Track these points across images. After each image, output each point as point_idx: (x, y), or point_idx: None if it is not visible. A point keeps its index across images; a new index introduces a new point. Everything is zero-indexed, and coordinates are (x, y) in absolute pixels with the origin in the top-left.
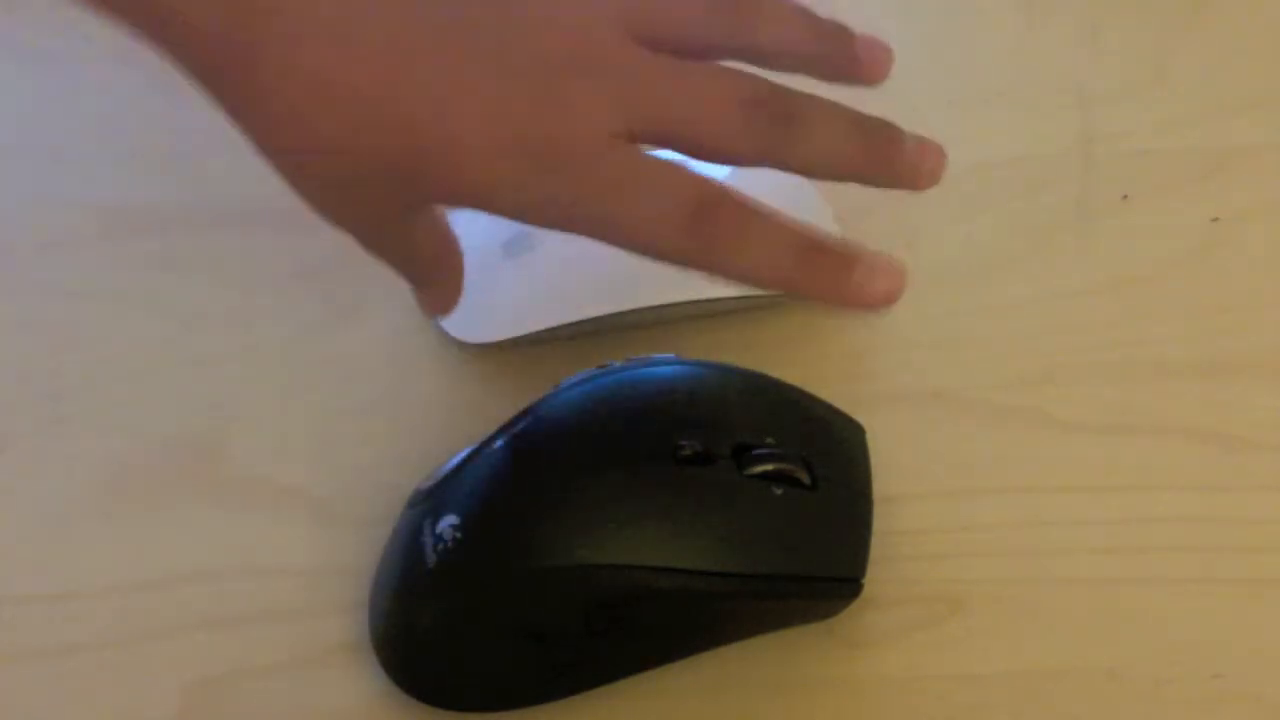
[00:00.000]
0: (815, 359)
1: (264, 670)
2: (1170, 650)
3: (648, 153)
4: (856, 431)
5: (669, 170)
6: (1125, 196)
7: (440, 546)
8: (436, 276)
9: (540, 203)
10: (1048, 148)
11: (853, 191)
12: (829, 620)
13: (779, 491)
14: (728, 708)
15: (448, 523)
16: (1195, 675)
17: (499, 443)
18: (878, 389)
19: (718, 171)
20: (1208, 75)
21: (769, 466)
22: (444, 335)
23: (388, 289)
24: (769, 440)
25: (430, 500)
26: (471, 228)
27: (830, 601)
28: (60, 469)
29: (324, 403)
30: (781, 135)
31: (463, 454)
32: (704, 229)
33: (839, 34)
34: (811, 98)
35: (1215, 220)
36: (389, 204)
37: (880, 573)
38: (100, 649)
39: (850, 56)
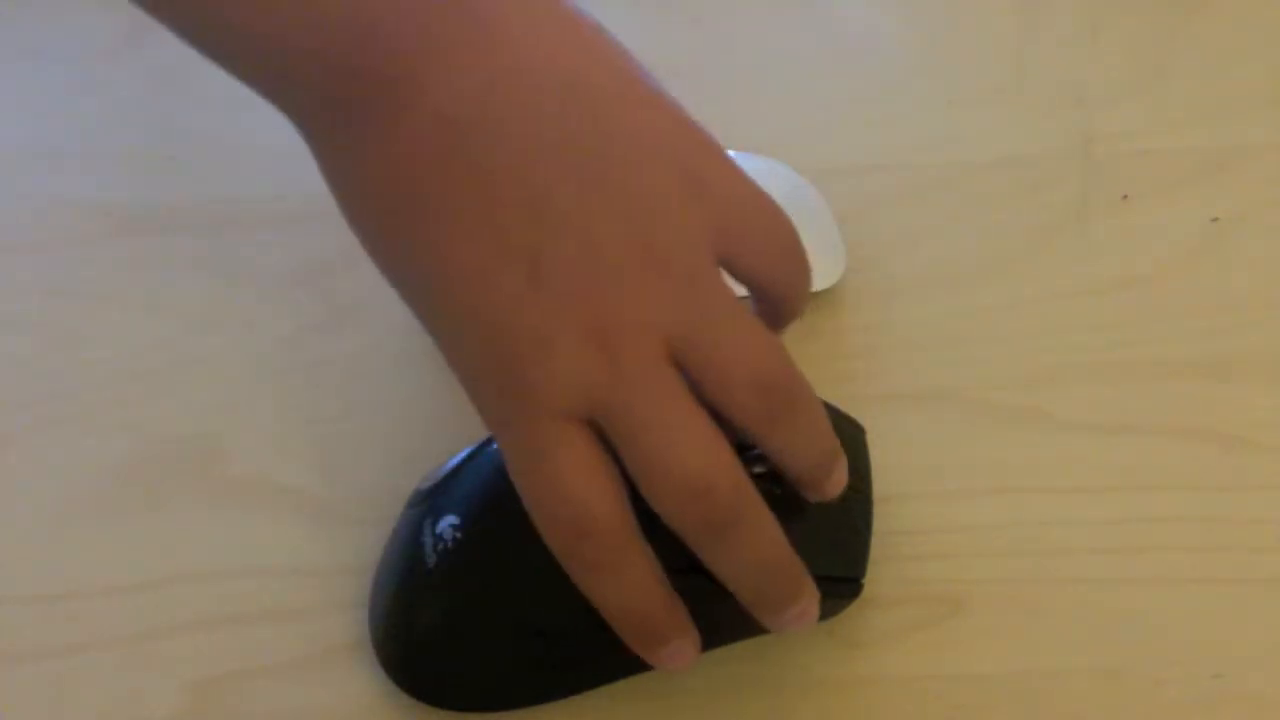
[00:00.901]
0: (815, 359)
1: (264, 670)
2: (1170, 650)
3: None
4: (856, 431)
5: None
6: (1125, 196)
7: (440, 546)
8: None
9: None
10: (1048, 148)
11: (853, 191)
12: (829, 620)
13: (778, 491)
14: (728, 707)
15: (448, 523)
16: (1195, 675)
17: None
18: (878, 389)
19: None
20: (1208, 75)
21: (768, 466)
22: None
23: (387, 289)
24: None
25: (430, 500)
26: None
27: (830, 601)
28: (60, 469)
29: (324, 403)
30: (772, 424)
31: (463, 454)
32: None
33: (830, 462)
34: (805, 394)
35: (1215, 220)
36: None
37: (880, 573)
38: (100, 649)
39: (821, 481)
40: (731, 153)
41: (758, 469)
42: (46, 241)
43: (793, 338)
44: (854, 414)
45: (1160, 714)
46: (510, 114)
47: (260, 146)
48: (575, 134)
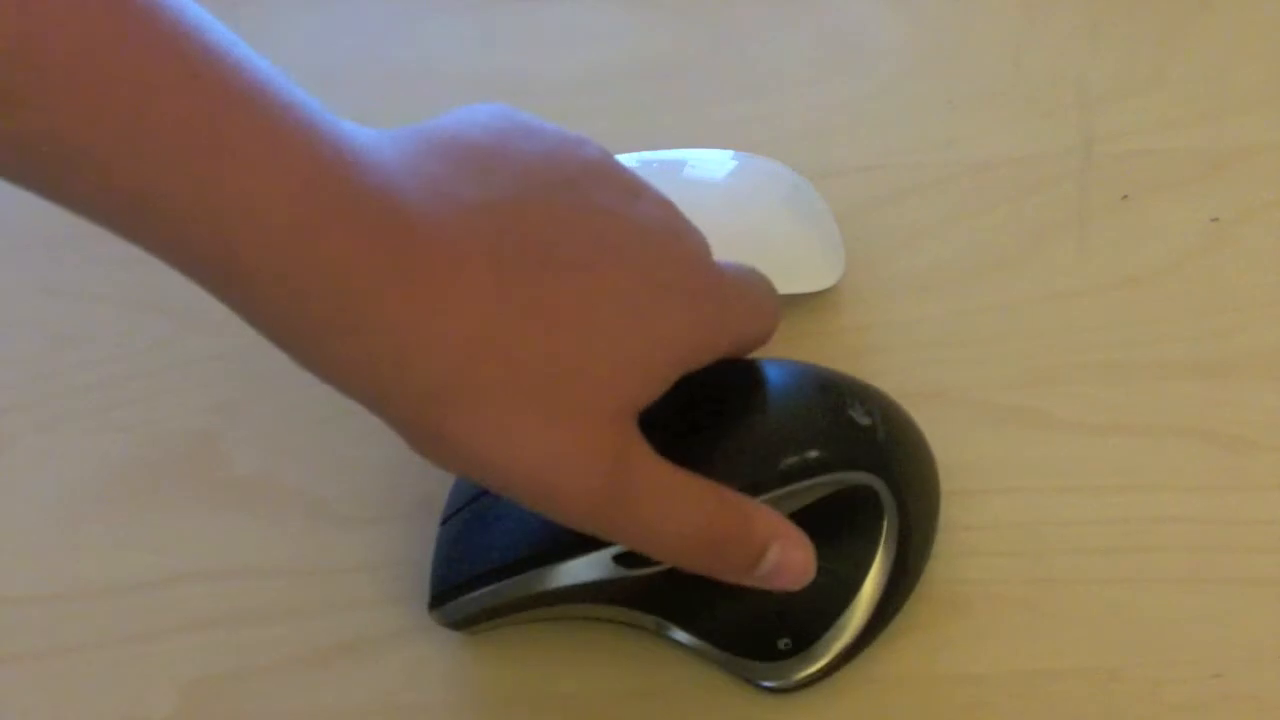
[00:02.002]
0: (815, 359)
1: (264, 670)
2: (1170, 650)
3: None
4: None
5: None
6: (1125, 196)
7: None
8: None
9: None
10: (1048, 148)
11: (853, 191)
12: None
13: None
14: (728, 707)
15: None
16: (1195, 675)
17: None
18: (880, 389)
19: (720, 168)
20: (1208, 75)
21: None
22: None
23: None
24: None
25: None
26: None
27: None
28: (60, 469)
29: (324, 402)
30: None
31: None
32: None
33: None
34: None
35: (1215, 220)
36: None
37: None
38: (100, 649)
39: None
40: (731, 153)
41: None
42: (46, 241)
43: (793, 338)
44: None
45: (1160, 714)
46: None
47: None
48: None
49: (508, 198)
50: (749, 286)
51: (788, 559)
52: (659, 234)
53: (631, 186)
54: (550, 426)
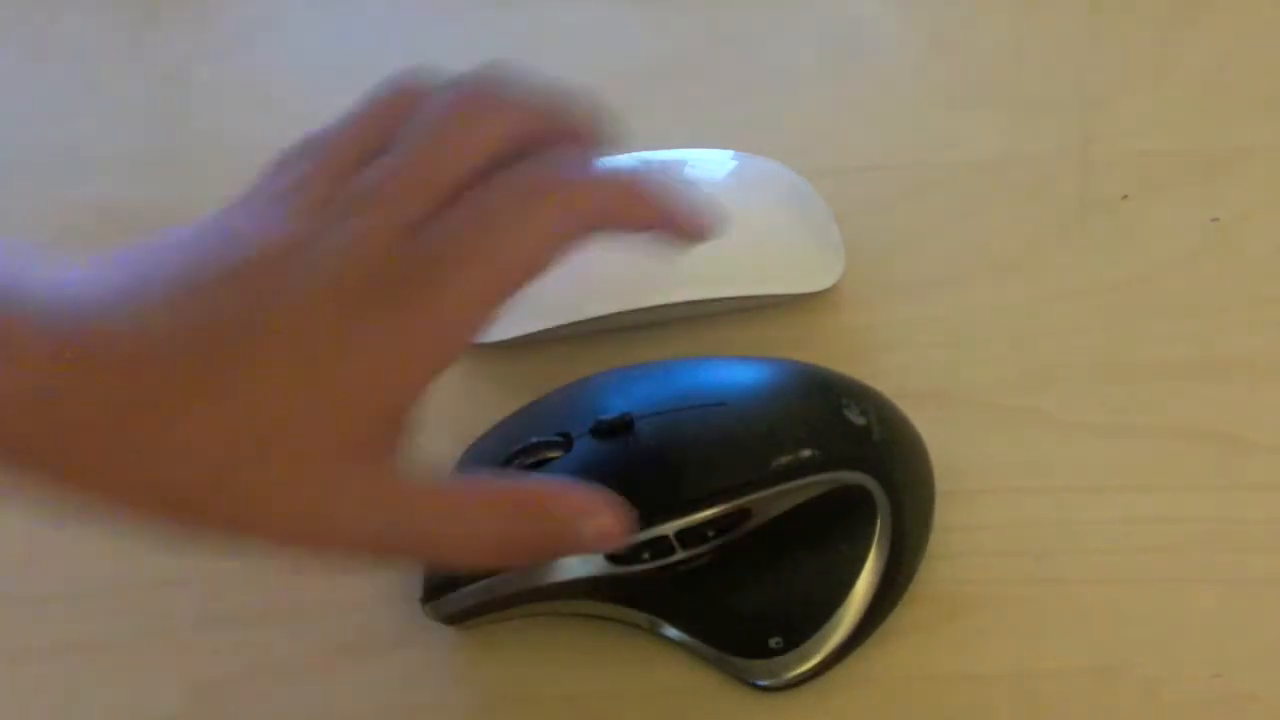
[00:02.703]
0: (815, 359)
1: (264, 670)
2: (1170, 650)
3: None
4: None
5: None
6: (1125, 196)
7: None
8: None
9: None
10: (1048, 148)
11: (853, 191)
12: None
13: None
14: (728, 706)
15: None
16: (1195, 675)
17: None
18: (878, 389)
19: (720, 168)
20: (1208, 75)
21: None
22: None
23: None
24: None
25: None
26: None
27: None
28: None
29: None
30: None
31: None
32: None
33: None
34: None
35: (1215, 220)
36: None
37: None
38: (101, 649)
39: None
40: (731, 153)
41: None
42: (46, 242)
43: (793, 338)
44: None
45: (1160, 714)
46: None
47: (260, 146)
48: None
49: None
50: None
51: (600, 530)
52: (329, 284)
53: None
54: (293, 491)
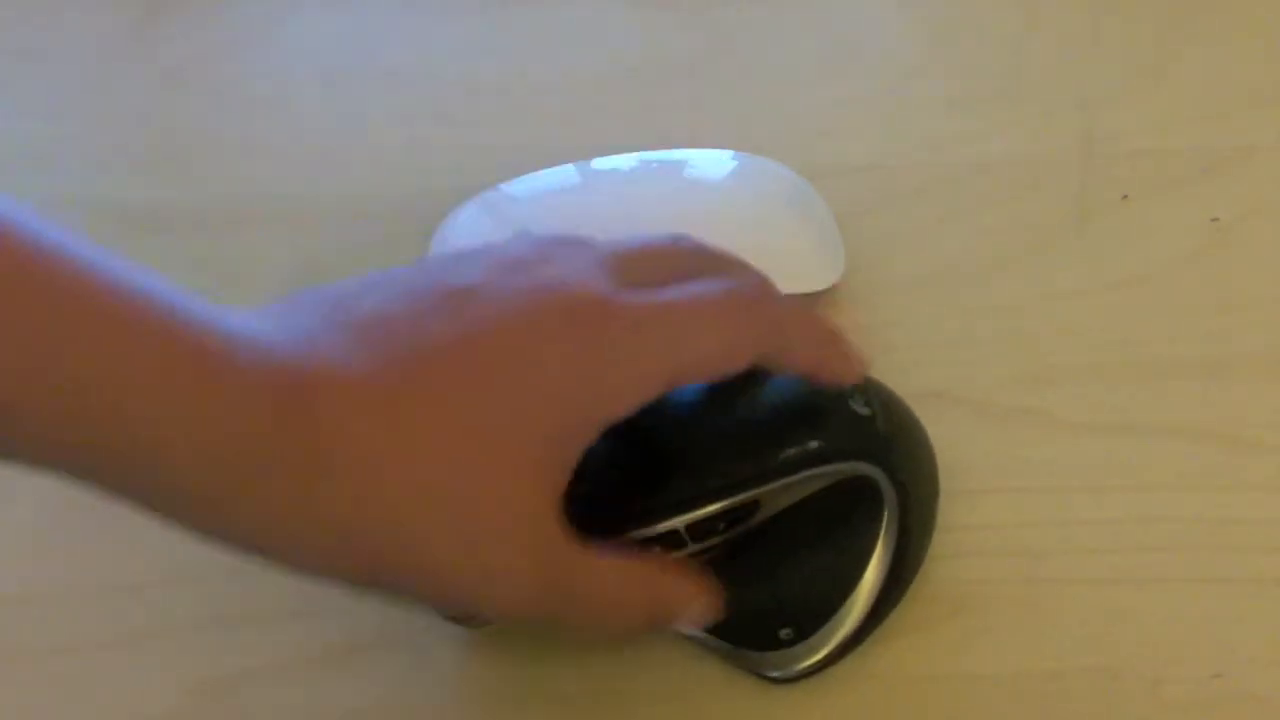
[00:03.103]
0: None
1: (264, 670)
2: (1170, 650)
3: None
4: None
5: None
6: (1125, 196)
7: None
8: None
9: None
10: (1048, 148)
11: (853, 191)
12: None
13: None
14: (727, 706)
15: None
16: (1195, 675)
17: None
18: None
19: (720, 168)
20: (1208, 75)
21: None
22: None
23: None
24: None
25: None
26: (471, 228)
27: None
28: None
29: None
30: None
31: None
32: None
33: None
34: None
35: (1215, 220)
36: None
37: None
38: (101, 649)
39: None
40: (731, 153)
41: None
42: None
43: None
44: None
45: (1160, 714)
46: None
47: (260, 146)
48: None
49: (377, 333)
50: (686, 303)
51: (706, 610)
52: (530, 306)
53: (514, 262)
54: (472, 552)
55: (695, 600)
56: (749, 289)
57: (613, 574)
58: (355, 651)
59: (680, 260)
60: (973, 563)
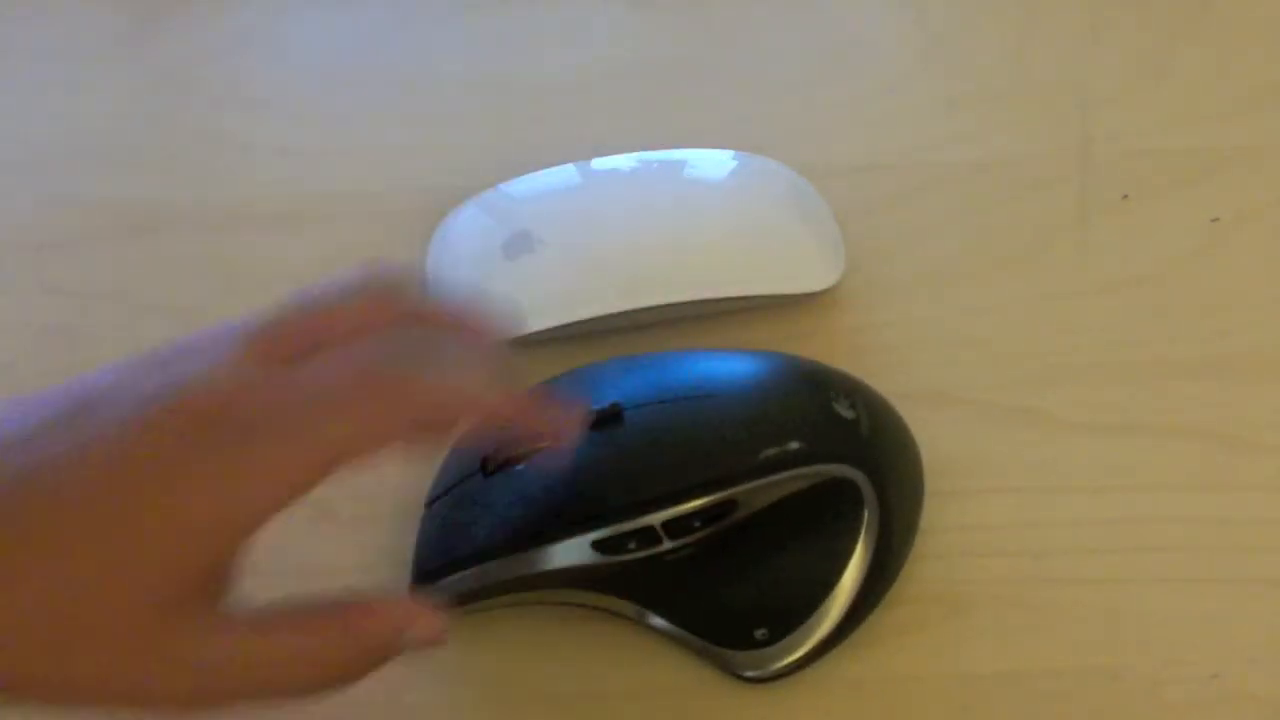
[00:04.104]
0: (816, 359)
1: None
2: (1170, 650)
3: None
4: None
5: None
6: (1125, 196)
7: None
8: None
9: None
10: (1048, 148)
11: (853, 191)
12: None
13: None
14: (727, 706)
15: None
16: (1195, 675)
17: None
18: (878, 389)
19: (720, 168)
20: (1208, 75)
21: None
22: None
23: None
24: None
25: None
26: (471, 228)
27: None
28: None
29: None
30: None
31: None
32: None
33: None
34: None
35: (1215, 220)
36: None
37: None
38: None
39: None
40: (731, 153)
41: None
42: (47, 241)
43: (793, 338)
44: None
45: (1160, 714)
46: None
47: (260, 146)
48: None
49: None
50: (318, 387)
51: (424, 636)
52: (146, 417)
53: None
54: (90, 664)
55: (410, 627)
56: (394, 362)
57: (267, 652)
58: None
59: (349, 317)
60: (972, 563)
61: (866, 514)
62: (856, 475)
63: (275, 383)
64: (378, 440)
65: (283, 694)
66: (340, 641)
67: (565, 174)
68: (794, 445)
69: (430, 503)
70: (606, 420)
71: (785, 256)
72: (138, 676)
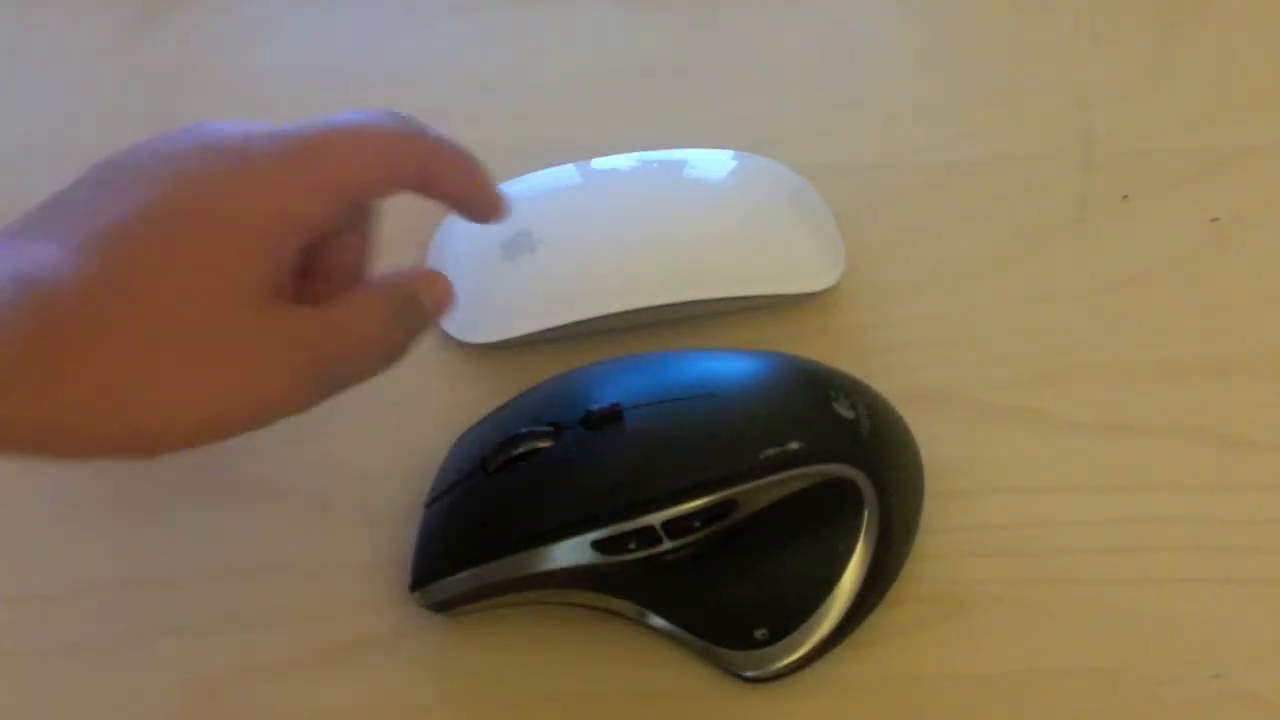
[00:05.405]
0: (815, 359)
1: (264, 670)
2: (1170, 650)
3: None
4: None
5: None
6: (1125, 196)
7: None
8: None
9: None
10: (1048, 148)
11: (853, 191)
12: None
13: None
14: (727, 706)
15: None
16: (1195, 675)
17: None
18: (878, 389)
19: (720, 168)
20: (1208, 75)
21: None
22: (444, 335)
23: None
24: None
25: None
26: (471, 228)
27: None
28: (60, 469)
29: (324, 403)
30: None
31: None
32: None
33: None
34: None
35: (1215, 220)
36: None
37: None
38: (100, 649)
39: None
40: (731, 153)
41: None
42: None
43: (793, 338)
44: None
45: (1160, 714)
46: None
47: None
48: None
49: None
50: (346, 124)
51: (437, 296)
52: (198, 143)
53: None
54: (223, 370)
55: (426, 288)
56: (406, 117)
57: (346, 312)
58: (353, 651)
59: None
60: (972, 563)
61: (866, 514)
62: (856, 475)
63: (298, 124)
64: (393, 175)
65: (375, 349)
66: (408, 301)
67: (565, 174)
68: (794, 445)
69: (430, 503)
70: (607, 420)
71: (785, 256)
72: (258, 366)
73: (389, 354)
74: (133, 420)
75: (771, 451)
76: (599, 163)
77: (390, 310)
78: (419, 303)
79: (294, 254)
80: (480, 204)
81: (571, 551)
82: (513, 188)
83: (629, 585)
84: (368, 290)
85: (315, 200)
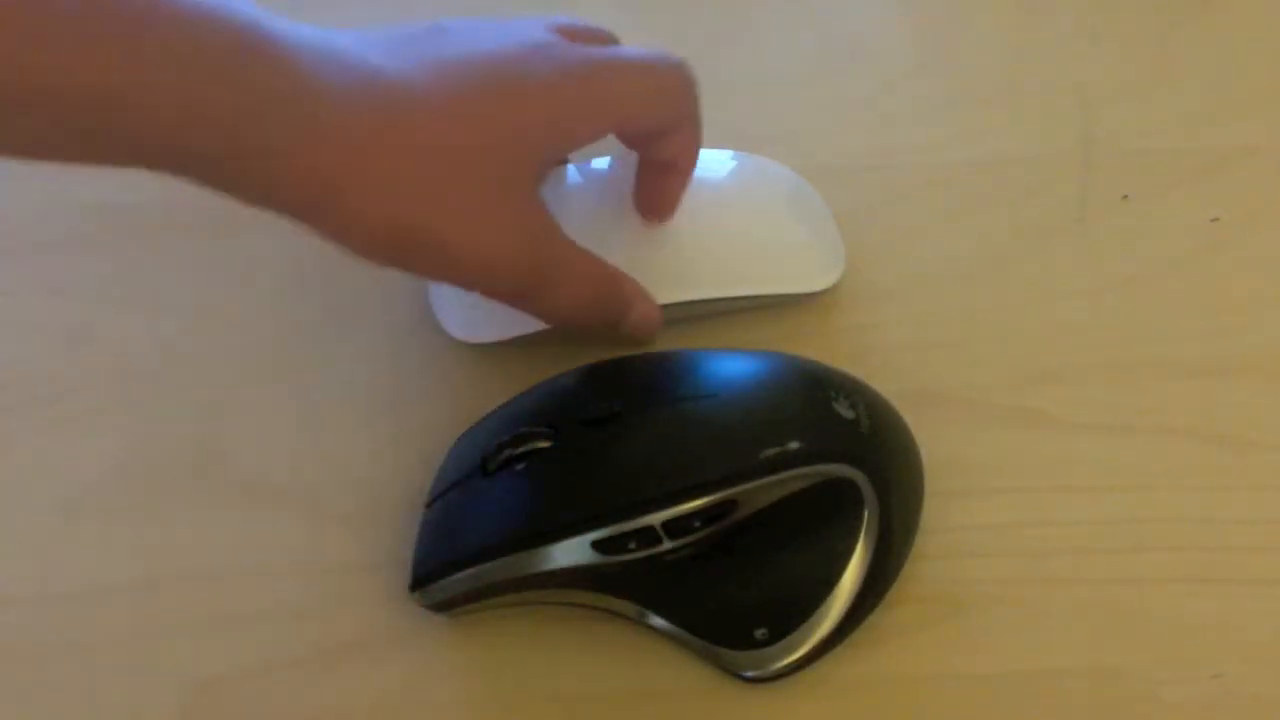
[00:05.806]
0: (815, 359)
1: (264, 670)
2: (1170, 650)
3: None
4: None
5: None
6: (1125, 196)
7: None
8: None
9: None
10: (1048, 148)
11: (853, 191)
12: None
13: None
14: (727, 706)
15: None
16: (1195, 675)
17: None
18: (877, 389)
19: (720, 168)
20: (1208, 75)
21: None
22: (444, 335)
23: (386, 289)
24: None
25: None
26: None
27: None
28: (60, 469)
29: (322, 403)
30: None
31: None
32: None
33: None
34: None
35: (1215, 220)
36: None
37: None
38: (100, 649)
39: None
40: (731, 153)
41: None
42: (46, 241)
43: (793, 338)
44: None
45: (1160, 714)
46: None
47: None
48: None
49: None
50: (633, 55)
51: (645, 314)
52: (520, 35)
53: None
54: (490, 209)
55: (639, 302)
56: (676, 60)
57: (582, 264)
58: (354, 651)
59: (607, 38)
60: (973, 563)
61: (866, 514)
62: (856, 475)
63: (580, 47)
64: (663, 106)
65: (569, 301)
66: (608, 288)
67: (565, 174)
68: (794, 445)
69: (430, 503)
70: (606, 420)
71: (785, 256)
72: (493, 232)
73: (569, 318)
74: (405, 221)
75: (771, 451)
76: (599, 163)
77: (605, 292)
78: (625, 310)
79: (556, 161)
80: (666, 193)
81: (571, 551)
82: None
83: (629, 585)
84: (608, 266)
85: (588, 125)
